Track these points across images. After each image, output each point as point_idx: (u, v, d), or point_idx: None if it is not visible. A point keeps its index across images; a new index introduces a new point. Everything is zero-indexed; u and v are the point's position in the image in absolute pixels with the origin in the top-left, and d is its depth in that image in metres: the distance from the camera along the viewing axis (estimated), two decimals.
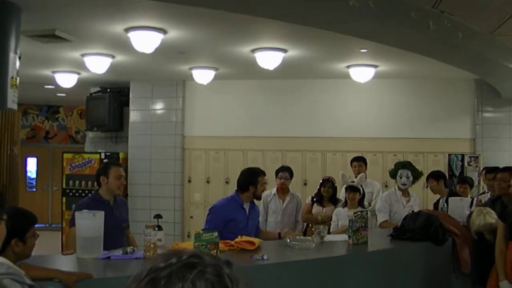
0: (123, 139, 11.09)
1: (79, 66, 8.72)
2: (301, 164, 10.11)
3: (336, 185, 7.11)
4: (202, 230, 5.01)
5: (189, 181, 10.71)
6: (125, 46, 7.09)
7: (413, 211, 6.12)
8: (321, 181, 7.16)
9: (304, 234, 6.87)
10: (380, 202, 6.75)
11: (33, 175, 15.02)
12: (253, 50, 7.66)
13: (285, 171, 7.14)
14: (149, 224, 4.29)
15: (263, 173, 5.48)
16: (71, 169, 10.57)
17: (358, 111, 10.17)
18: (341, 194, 7.42)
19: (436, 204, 7.13)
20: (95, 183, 5.13)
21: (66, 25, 6.49)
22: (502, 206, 5.52)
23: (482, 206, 5.94)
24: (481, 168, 8.42)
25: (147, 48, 6.78)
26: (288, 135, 10.24)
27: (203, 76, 9.41)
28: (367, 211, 5.52)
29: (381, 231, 6.11)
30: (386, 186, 9.10)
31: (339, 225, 6.44)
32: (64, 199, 10.58)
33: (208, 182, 10.60)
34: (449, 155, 9.54)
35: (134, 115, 10.88)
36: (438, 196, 7.03)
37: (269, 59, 7.75)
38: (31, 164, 14.97)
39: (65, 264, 3.98)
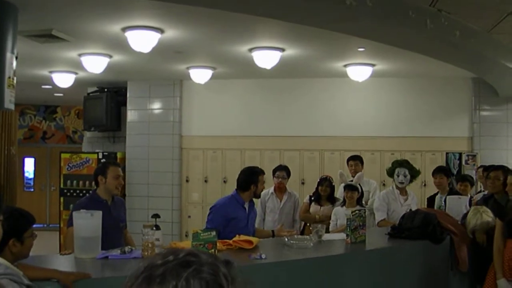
0: (121, 139, 11.08)
1: (76, 66, 8.71)
2: (299, 163, 10.11)
3: (333, 184, 7.12)
4: (203, 229, 5.05)
5: (187, 180, 10.71)
6: (122, 45, 7.08)
7: (410, 209, 6.12)
8: (318, 180, 7.17)
9: (302, 233, 6.88)
10: (378, 201, 6.75)
11: (31, 175, 15.01)
12: (251, 49, 7.66)
13: (282, 170, 7.15)
14: (147, 223, 4.29)
15: (263, 172, 5.52)
16: (69, 169, 10.56)
17: (356, 110, 10.18)
18: (339, 193, 7.42)
19: (430, 199, 7.12)
20: (93, 183, 5.13)
21: (63, 25, 6.48)
22: (495, 204, 5.54)
23: (476, 205, 5.95)
24: (478, 166, 8.42)
25: (144, 48, 6.77)
26: (286, 134, 10.24)
27: (200, 75, 9.41)
28: (365, 209, 5.53)
29: (379, 230, 6.11)
30: (383, 184, 9.11)
31: (337, 224, 6.44)
32: (62, 199, 10.56)
33: (206, 181, 10.60)
34: (447, 153, 9.55)
35: (131, 115, 10.87)
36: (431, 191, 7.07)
37: (266, 58, 7.74)
38: (29, 164, 14.95)
39: (63, 264, 3.98)
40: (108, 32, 6.73)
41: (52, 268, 3.55)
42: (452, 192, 6.84)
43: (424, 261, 5.26)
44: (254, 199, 5.62)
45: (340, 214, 6.43)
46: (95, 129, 11.10)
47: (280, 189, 7.10)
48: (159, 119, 10.80)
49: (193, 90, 10.55)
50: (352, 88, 9.84)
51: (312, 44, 7.46)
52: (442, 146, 9.78)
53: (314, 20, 5.97)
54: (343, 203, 6.63)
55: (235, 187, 5.44)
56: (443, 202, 6.54)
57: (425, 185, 9.37)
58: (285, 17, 5.87)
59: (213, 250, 3.92)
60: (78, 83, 10.15)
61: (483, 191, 7.31)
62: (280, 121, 10.31)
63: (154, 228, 4.26)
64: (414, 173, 6.76)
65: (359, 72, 8.88)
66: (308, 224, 7.05)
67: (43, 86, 11.30)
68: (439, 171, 7.00)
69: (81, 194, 9.66)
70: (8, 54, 5.35)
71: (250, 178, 5.39)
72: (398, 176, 6.66)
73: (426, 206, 7.08)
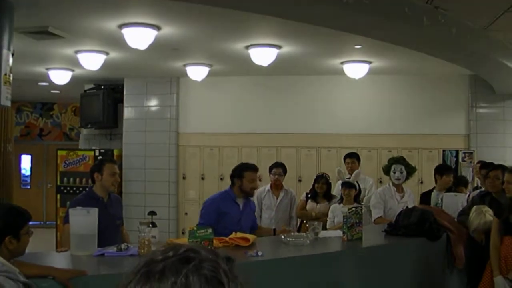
0: (118, 136, 11.07)
1: (73, 63, 8.70)
2: (295, 160, 10.11)
3: (330, 181, 7.13)
4: (196, 225, 5.04)
5: (184, 178, 10.70)
6: (119, 42, 7.07)
7: (407, 207, 6.12)
8: (315, 178, 7.17)
9: (298, 230, 6.88)
10: (374, 198, 6.75)
11: (27, 173, 14.98)
12: (247, 47, 7.65)
13: (278, 167, 7.15)
14: (143, 221, 4.29)
15: (252, 169, 5.42)
16: (65, 166, 10.55)
17: (353, 107, 10.18)
18: (336, 190, 7.43)
19: (424, 195, 7.12)
20: (90, 180, 5.13)
21: (59, 22, 6.47)
22: (492, 201, 5.55)
23: (471, 202, 5.96)
24: (476, 162, 8.42)
25: (141, 45, 6.76)
26: (283, 132, 10.24)
27: (197, 72, 9.40)
28: (361, 207, 5.53)
29: (376, 227, 6.11)
30: (380, 182, 9.11)
31: (335, 222, 6.44)
32: (58, 196, 10.55)
33: (202, 178, 10.59)
34: (444, 151, 9.56)
35: (128, 112, 10.86)
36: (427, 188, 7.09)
37: (263, 56, 7.74)
38: (25, 162, 14.93)
39: (59, 261, 3.97)
40: (104, 29, 6.71)
41: (48, 265, 3.54)
42: (449, 189, 6.85)
43: (420, 258, 5.27)
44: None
45: (337, 211, 6.43)
46: (92, 126, 11.08)
47: (276, 186, 7.11)
48: (156, 116, 10.79)
49: (190, 87, 10.54)
50: (349, 86, 9.85)
51: (308, 41, 7.46)
52: (438, 144, 9.78)
53: (311, 17, 5.97)
54: (341, 201, 6.63)
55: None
56: (440, 200, 6.55)
57: (421, 182, 9.38)
58: (281, 14, 5.86)
59: (209, 248, 3.91)
60: (74, 80, 10.13)
61: (480, 187, 7.32)
62: (276, 118, 10.30)
63: (151, 225, 4.26)
64: (410, 170, 6.76)
65: (355, 70, 8.89)
66: (304, 221, 7.05)
67: (39, 83, 11.28)
68: (450, 171, 7.08)
69: (77, 191, 9.65)
70: (5, 51, 5.33)
71: (234, 173, 5.41)
72: (394, 172, 6.66)
73: (419, 202, 7.08)
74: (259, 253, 4.19)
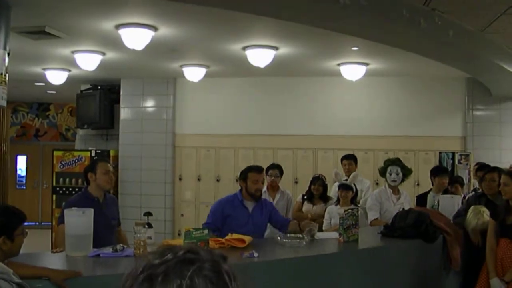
0: (114, 137, 11.05)
1: (70, 63, 8.68)
2: (292, 162, 10.11)
3: (326, 183, 7.12)
4: (203, 224, 5.07)
5: (180, 179, 10.69)
6: (115, 43, 7.05)
7: (403, 208, 6.12)
8: (311, 179, 7.17)
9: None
10: (370, 200, 6.74)
11: (23, 173, 14.94)
12: (244, 48, 7.64)
13: (275, 169, 7.14)
14: (139, 221, 4.28)
15: (255, 170, 5.44)
16: (61, 166, 10.53)
17: (349, 109, 10.18)
18: (332, 192, 7.42)
19: (420, 197, 7.11)
20: (85, 181, 5.11)
21: (56, 22, 6.45)
22: (487, 203, 5.55)
23: (467, 203, 5.96)
24: (475, 164, 8.40)
25: (138, 45, 6.75)
26: (279, 133, 10.24)
27: (194, 73, 9.39)
28: (357, 208, 5.52)
29: (372, 229, 6.10)
30: (377, 184, 9.11)
31: (331, 223, 6.43)
32: (54, 197, 10.53)
33: (199, 180, 10.58)
34: (440, 153, 9.56)
35: (124, 113, 10.84)
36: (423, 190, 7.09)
37: (260, 57, 7.72)
38: (21, 162, 14.88)
39: (54, 262, 3.96)
40: (101, 29, 6.70)
41: (43, 266, 3.53)
42: (446, 191, 6.85)
43: (416, 260, 5.27)
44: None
45: (334, 213, 6.42)
46: (88, 126, 11.07)
47: (273, 188, 7.10)
48: (152, 117, 10.77)
49: (187, 88, 10.53)
50: (346, 87, 9.85)
51: (305, 42, 7.45)
52: (435, 146, 9.80)
53: (308, 18, 5.96)
54: (337, 202, 6.62)
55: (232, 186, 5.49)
56: (436, 202, 6.55)
57: (418, 184, 9.38)
58: (278, 15, 5.86)
59: (205, 248, 3.90)
60: (71, 81, 10.11)
61: (478, 189, 7.32)
62: (273, 119, 10.30)
63: (146, 226, 4.25)
64: (406, 172, 6.75)
65: (352, 71, 8.88)
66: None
67: (36, 83, 11.25)
68: (445, 172, 7.03)
69: (73, 192, 9.62)
70: (1, 51, 5.32)
71: (240, 175, 5.47)
72: (390, 174, 6.65)
73: (415, 204, 7.08)
74: (255, 254, 4.19)
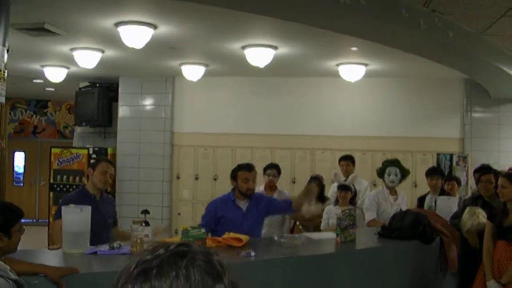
0: (112, 135, 11.04)
1: (68, 60, 8.67)
2: (290, 162, 10.11)
3: (324, 183, 7.11)
4: (198, 225, 5.04)
5: (178, 177, 10.68)
6: (114, 41, 7.05)
7: (401, 209, 6.12)
8: (308, 179, 7.16)
9: (291, 231, 6.88)
10: (368, 201, 6.75)
11: (21, 170, 14.93)
12: (243, 47, 7.64)
13: (273, 168, 7.13)
14: (136, 219, 4.28)
15: (244, 168, 5.34)
16: (59, 164, 10.51)
17: (348, 110, 10.18)
18: (330, 192, 7.43)
19: (420, 199, 7.12)
20: (83, 178, 5.11)
21: (55, 19, 6.44)
22: (484, 205, 5.56)
23: (463, 205, 5.97)
24: (475, 167, 8.39)
25: (137, 43, 6.74)
26: (277, 133, 10.24)
27: (193, 72, 9.38)
28: (355, 209, 5.53)
29: (369, 230, 6.11)
30: (374, 185, 9.10)
31: (329, 223, 6.43)
32: (51, 194, 10.51)
33: (196, 179, 10.57)
34: (438, 154, 9.57)
35: (123, 111, 10.83)
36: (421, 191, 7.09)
37: (259, 56, 7.71)
38: (19, 159, 14.88)
39: (51, 259, 3.96)
40: (100, 27, 6.69)
41: (40, 263, 3.53)
42: (443, 192, 6.86)
43: (413, 261, 5.27)
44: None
45: (332, 213, 6.42)
46: (86, 124, 11.05)
47: (270, 188, 7.08)
48: (151, 115, 10.77)
49: (185, 87, 10.52)
50: (344, 88, 9.84)
51: (305, 42, 7.45)
52: (433, 147, 9.80)
53: (307, 18, 5.96)
54: (336, 203, 6.62)
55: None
56: (433, 203, 6.56)
57: (415, 185, 9.39)
58: (278, 14, 5.86)
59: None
60: (70, 78, 10.10)
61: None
62: (271, 119, 10.30)
63: (144, 224, 4.25)
64: (404, 173, 6.76)
65: (351, 72, 8.87)
66: (297, 223, 7.05)
67: (34, 80, 11.24)
68: (435, 173, 7.00)
69: (71, 189, 9.59)
70: (0, 47, 5.30)
71: (230, 175, 5.40)
72: (389, 175, 6.66)
73: (416, 206, 7.09)
74: (252, 254, 4.19)
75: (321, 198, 7.03)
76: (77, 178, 10.04)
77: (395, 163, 6.79)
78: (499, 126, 9.85)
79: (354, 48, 7.70)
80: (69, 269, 3.47)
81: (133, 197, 10.47)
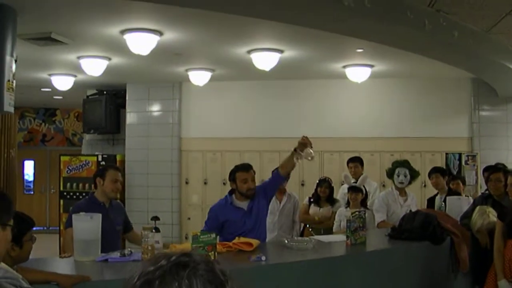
0: (120, 141, 11.08)
1: (76, 68, 8.71)
2: (298, 165, 9.99)
3: (333, 185, 7.11)
4: (200, 231, 5.02)
5: (187, 182, 10.71)
6: (121, 48, 7.08)
7: (410, 210, 6.11)
8: (317, 182, 7.16)
9: (302, 235, 6.87)
10: (377, 202, 6.73)
11: (31, 178, 15.01)
12: (249, 51, 7.66)
13: None
14: (146, 226, 4.28)
15: (241, 169, 5.29)
16: (69, 171, 10.57)
17: (355, 111, 10.18)
18: (339, 194, 7.43)
19: (430, 200, 7.12)
20: (92, 186, 5.13)
21: (62, 28, 6.48)
22: (494, 204, 5.54)
23: (473, 204, 5.95)
24: (484, 166, 8.37)
25: (143, 50, 6.77)
26: (285, 136, 10.19)
27: (199, 77, 9.41)
28: (364, 211, 5.51)
29: (379, 231, 6.10)
30: (383, 186, 9.09)
31: (341, 226, 6.42)
32: (61, 201, 10.57)
33: (205, 183, 10.59)
34: (447, 154, 9.54)
35: (130, 117, 10.87)
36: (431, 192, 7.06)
37: (265, 60, 7.74)
38: (29, 167, 14.96)
39: (63, 267, 3.97)
40: (106, 34, 6.73)
41: (52, 271, 3.54)
42: (451, 192, 6.84)
43: (424, 262, 5.25)
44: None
45: (343, 215, 6.41)
46: (95, 131, 11.10)
47: (279, 191, 7.06)
48: (158, 121, 10.80)
49: (192, 92, 10.55)
50: (351, 89, 9.85)
51: (310, 45, 7.46)
52: (441, 147, 9.77)
53: (312, 21, 5.97)
54: (347, 205, 6.62)
55: None
56: (443, 203, 6.54)
57: (425, 186, 9.36)
58: (283, 18, 5.87)
59: (212, 253, 3.91)
60: (77, 86, 10.15)
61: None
62: (279, 122, 10.30)
63: (154, 231, 4.25)
64: (414, 174, 6.75)
65: (357, 73, 8.88)
66: (307, 226, 7.05)
67: (42, 89, 11.30)
68: (434, 171, 7.02)
69: (80, 197, 9.64)
70: (8, 57, 5.34)
71: (228, 178, 5.37)
72: (398, 176, 6.64)
73: (426, 207, 7.08)
74: (263, 258, 4.19)
75: (330, 200, 7.03)
76: (87, 185, 10.08)
77: (404, 164, 6.77)
78: (507, 124, 9.82)
79: (359, 50, 7.70)
80: (81, 277, 3.48)
81: (142, 203, 10.50)
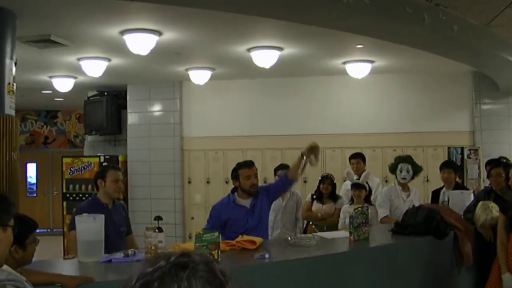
0: (122, 142, 11.09)
1: (76, 70, 8.72)
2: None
3: (335, 181, 7.11)
4: (202, 229, 5.02)
5: (189, 182, 10.71)
6: (120, 49, 7.08)
7: (413, 205, 6.11)
8: (320, 178, 7.16)
9: (305, 231, 6.88)
10: (380, 198, 6.74)
11: (33, 181, 15.03)
12: (249, 49, 7.66)
13: (284, 169, 7.12)
14: (149, 226, 4.29)
15: (244, 165, 5.27)
16: (71, 173, 10.57)
17: (356, 107, 10.17)
18: (341, 191, 7.43)
19: (435, 193, 7.10)
20: (95, 187, 5.14)
21: (61, 30, 6.49)
22: (496, 198, 5.54)
23: (476, 198, 5.95)
24: (486, 160, 8.36)
25: (143, 50, 6.78)
26: (287, 133, 10.23)
27: (199, 76, 9.41)
28: (367, 207, 5.51)
29: (382, 227, 6.10)
30: (386, 181, 9.09)
31: (345, 222, 6.41)
32: (64, 203, 10.58)
33: (208, 182, 10.59)
34: (449, 148, 9.52)
35: (132, 118, 10.88)
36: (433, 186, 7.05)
37: (265, 58, 7.74)
38: (31, 170, 14.98)
39: (67, 268, 3.98)
40: (106, 35, 6.73)
41: (56, 273, 3.55)
42: (458, 187, 6.83)
43: (428, 257, 5.25)
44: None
45: (348, 212, 6.41)
46: (96, 132, 11.11)
47: None
48: (160, 121, 10.81)
49: (193, 92, 10.56)
50: (352, 85, 9.84)
51: (310, 42, 7.46)
52: (443, 141, 9.76)
53: (311, 18, 5.97)
54: (351, 201, 6.62)
55: None
56: (446, 198, 6.53)
57: (427, 180, 9.37)
58: (282, 16, 5.87)
59: (216, 251, 3.91)
60: (78, 87, 10.16)
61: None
62: (280, 120, 10.30)
63: (157, 230, 4.26)
64: (416, 169, 6.74)
65: (358, 69, 8.88)
66: (310, 223, 7.06)
67: (43, 91, 11.32)
68: (447, 166, 6.94)
69: (83, 198, 9.65)
70: (7, 60, 5.35)
71: (231, 174, 5.34)
72: (401, 171, 6.64)
73: (430, 200, 7.09)
74: (266, 256, 4.19)
75: (333, 197, 7.03)
76: (89, 186, 10.09)
77: (407, 159, 6.77)
78: (509, 118, 9.81)
79: (359, 46, 7.70)
80: (85, 278, 3.49)
81: (145, 203, 10.52)
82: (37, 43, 6.75)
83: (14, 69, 5.47)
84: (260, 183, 5.48)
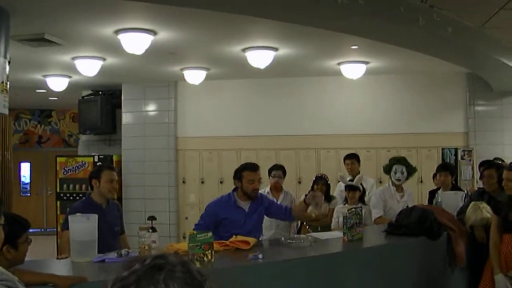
0: (116, 142, 11.07)
1: (70, 69, 8.70)
2: (295, 162, 10.11)
3: (329, 182, 7.11)
4: (195, 224, 5.01)
5: (184, 182, 10.70)
6: (115, 48, 7.07)
7: (407, 206, 6.12)
8: (314, 179, 7.16)
9: (299, 232, 6.88)
10: (374, 198, 6.74)
11: (27, 180, 14.98)
12: (244, 49, 7.66)
13: (278, 170, 7.14)
14: (143, 226, 4.28)
15: (249, 169, 5.22)
16: (65, 173, 10.55)
17: (351, 108, 10.18)
18: (335, 191, 7.43)
19: (432, 193, 7.12)
20: (89, 187, 5.12)
21: (55, 29, 6.47)
22: (490, 199, 5.56)
23: (469, 199, 5.97)
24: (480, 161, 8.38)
25: (138, 50, 6.77)
26: (281, 134, 10.24)
27: (194, 76, 9.40)
28: (361, 207, 5.52)
29: (376, 227, 6.10)
30: (380, 182, 9.11)
31: (339, 222, 6.42)
32: (58, 203, 10.55)
33: (202, 182, 10.59)
34: (443, 149, 9.55)
35: (126, 117, 10.86)
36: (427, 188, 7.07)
37: (260, 58, 7.74)
38: (25, 169, 14.92)
39: (60, 268, 3.97)
40: (100, 35, 6.72)
41: (49, 273, 3.54)
42: (452, 188, 6.85)
43: (421, 257, 5.26)
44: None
45: (341, 212, 6.41)
46: (91, 132, 11.09)
47: (276, 189, 7.09)
48: (154, 121, 10.79)
49: (188, 91, 10.55)
50: (347, 86, 9.85)
51: (305, 43, 7.46)
52: (437, 142, 9.79)
53: (306, 19, 5.97)
54: (345, 202, 6.62)
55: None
56: (440, 198, 6.55)
57: (421, 181, 9.38)
58: (277, 16, 5.87)
59: (209, 251, 3.91)
60: (72, 87, 10.14)
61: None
62: (275, 120, 10.31)
63: (150, 230, 4.26)
64: (410, 170, 6.75)
65: (353, 70, 8.89)
66: (304, 223, 7.05)
67: (37, 90, 11.28)
68: (444, 169, 6.97)
69: (77, 198, 9.62)
70: (1, 59, 5.34)
71: (234, 175, 5.28)
72: (395, 173, 6.65)
73: (427, 200, 7.11)
74: (260, 256, 4.19)
75: (327, 198, 7.03)
76: (84, 186, 10.06)
77: (401, 160, 6.77)
78: (503, 119, 9.84)
79: (354, 47, 7.71)
80: (78, 278, 3.48)
81: (139, 203, 10.50)
82: (31, 41, 6.73)
83: (7, 67, 5.45)
84: None
